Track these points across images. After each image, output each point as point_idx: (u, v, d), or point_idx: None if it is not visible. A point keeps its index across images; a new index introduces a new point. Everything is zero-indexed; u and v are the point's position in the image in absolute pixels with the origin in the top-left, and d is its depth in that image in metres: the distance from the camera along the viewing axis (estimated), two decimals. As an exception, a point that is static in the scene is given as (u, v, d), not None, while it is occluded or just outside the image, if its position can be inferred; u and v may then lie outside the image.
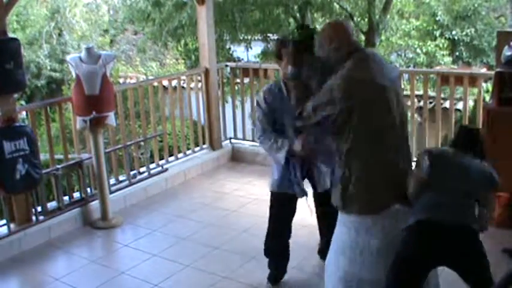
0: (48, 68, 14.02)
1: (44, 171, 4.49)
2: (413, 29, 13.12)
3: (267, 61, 11.26)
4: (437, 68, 10.50)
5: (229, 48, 11.94)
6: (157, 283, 3.82)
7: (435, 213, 2.61)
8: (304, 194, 3.49)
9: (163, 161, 5.78)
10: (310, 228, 4.12)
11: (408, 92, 5.44)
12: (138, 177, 5.41)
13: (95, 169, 4.78)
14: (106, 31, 15.71)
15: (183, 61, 13.42)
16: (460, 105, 6.79)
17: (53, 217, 4.62)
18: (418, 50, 11.81)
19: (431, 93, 6.93)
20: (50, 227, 4.58)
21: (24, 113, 5.56)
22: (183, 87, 6.16)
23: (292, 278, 3.70)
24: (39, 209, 4.53)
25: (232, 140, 6.57)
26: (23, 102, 11.61)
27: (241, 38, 11.48)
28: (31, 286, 4.04)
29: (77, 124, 4.72)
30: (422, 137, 5.46)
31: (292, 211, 3.61)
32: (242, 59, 11.78)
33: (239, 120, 6.57)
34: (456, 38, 12.74)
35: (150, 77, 11.59)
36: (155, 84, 6.19)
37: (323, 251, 3.80)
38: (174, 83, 6.42)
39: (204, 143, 6.29)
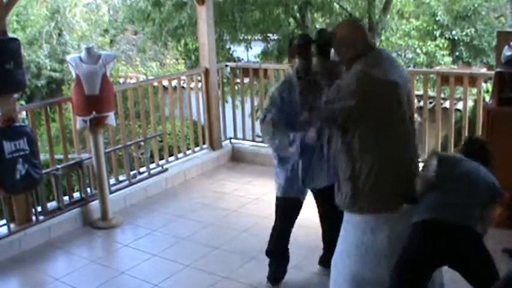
0: (48, 68, 14.02)
1: (44, 171, 4.49)
2: (413, 29, 13.11)
3: (267, 61, 11.27)
4: (437, 68, 10.49)
5: (229, 48, 11.94)
6: (157, 283, 3.82)
7: (440, 213, 2.62)
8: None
9: (163, 161, 5.79)
10: (310, 229, 4.12)
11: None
12: (138, 177, 5.41)
13: (95, 169, 4.78)
14: (106, 31, 15.70)
15: (183, 61, 13.42)
16: (460, 105, 6.79)
17: (53, 217, 4.62)
18: (418, 50, 11.81)
19: (431, 93, 6.93)
20: (50, 227, 4.58)
21: (24, 113, 5.56)
22: (183, 87, 6.16)
23: (292, 278, 3.70)
24: (39, 209, 4.53)
25: (232, 140, 6.57)
26: (23, 102, 11.60)
27: (241, 38, 11.47)
28: (31, 286, 4.04)
29: (77, 124, 4.72)
30: (422, 137, 5.46)
31: (297, 214, 3.62)
32: (242, 59, 11.77)
33: (239, 120, 6.57)
34: (456, 38, 12.73)
35: (150, 77, 11.59)
36: (155, 84, 6.19)
37: (324, 262, 3.80)
38: (174, 83, 6.42)
39: (204, 143, 6.29)
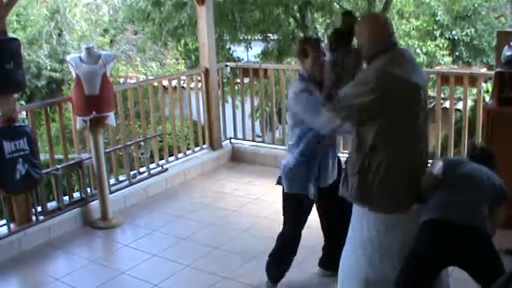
0: (48, 68, 14.02)
1: (44, 171, 4.49)
2: (413, 29, 13.11)
3: (267, 61, 11.27)
4: (437, 68, 10.49)
5: (229, 48, 11.94)
6: (157, 283, 3.82)
7: (447, 212, 2.64)
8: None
9: (163, 161, 5.78)
10: (310, 228, 4.10)
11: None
12: (138, 177, 5.41)
13: (95, 169, 4.78)
14: (106, 31, 15.71)
15: (183, 61, 13.42)
16: (460, 105, 6.79)
17: (53, 217, 4.62)
18: (418, 50, 11.80)
19: (431, 93, 6.92)
20: (50, 227, 4.58)
21: (24, 113, 5.56)
22: (183, 87, 6.16)
23: (292, 279, 3.70)
24: (39, 209, 4.53)
25: (232, 140, 6.57)
26: (23, 102, 11.61)
27: (241, 38, 11.47)
28: (31, 286, 4.04)
29: (77, 124, 4.72)
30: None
31: (309, 211, 3.59)
32: (242, 59, 11.77)
33: (239, 120, 6.57)
34: (456, 38, 12.73)
35: (150, 77, 11.59)
36: (155, 84, 6.19)
37: (324, 264, 3.79)
38: (174, 83, 6.42)
39: (204, 143, 6.29)
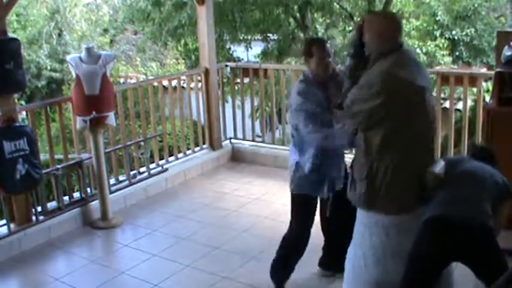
0: (48, 68, 14.02)
1: (44, 171, 4.49)
2: (413, 29, 13.11)
3: (267, 61, 11.28)
4: (437, 68, 10.49)
5: (229, 48, 11.95)
6: (157, 283, 3.82)
7: (449, 209, 2.64)
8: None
9: (163, 161, 5.78)
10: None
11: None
12: (138, 177, 5.41)
13: (95, 169, 4.78)
14: (106, 31, 15.71)
15: (183, 61, 13.42)
16: (460, 105, 6.78)
17: (53, 217, 4.62)
18: (418, 50, 11.80)
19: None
20: (50, 227, 4.58)
21: (24, 113, 5.56)
22: (183, 87, 6.16)
23: (292, 278, 3.69)
24: (39, 209, 4.53)
25: (232, 140, 6.57)
26: (23, 102, 11.61)
27: (241, 38, 11.48)
28: (31, 286, 4.04)
29: (77, 124, 4.72)
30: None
31: (316, 210, 3.58)
32: (242, 59, 11.77)
33: (239, 120, 6.57)
34: (456, 38, 12.72)
35: (150, 77, 11.59)
36: (155, 84, 6.18)
37: (324, 264, 3.78)
38: (174, 83, 6.42)
39: (204, 143, 6.29)
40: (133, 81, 11.19)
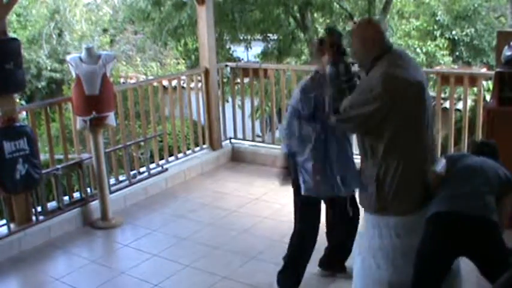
0: (49, 68, 14.03)
1: (44, 171, 4.49)
2: (413, 29, 13.13)
3: (267, 61, 11.28)
4: (437, 68, 10.49)
5: (229, 48, 11.95)
6: (157, 283, 3.82)
7: (452, 204, 2.65)
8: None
9: (163, 161, 5.78)
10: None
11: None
12: (138, 177, 5.41)
13: (95, 169, 4.78)
14: (105, 31, 15.71)
15: (183, 61, 13.42)
16: (460, 105, 6.78)
17: (53, 217, 4.61)
18: (418, 50, 11.82)
19: (431, 93, 6.92)
20: (50, 227, 4.58)
21: (24, 113, 5.56)
22: (183, 87, 6.16)
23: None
24: (39, 209, 4.53)
25: (232, 140, 6.57)
26: (23, 102, 11.62)
27: (241, 38, 11.48)
28: (31, 286, 4.04)
29: (77, 124, 4.72)
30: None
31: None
32: (242, 59, 11.77)
33: (239, 120, 6.57)
34: (456, 38, 12.74)
35: (150, 77, 11.59)
36: (155, 84, 6.18)
37: (324, 264, 3.78)
38: (174, 83, 6.42)
39: (204, 143, 6.28)
40: (133, 81, 11.19)
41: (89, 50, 4.57)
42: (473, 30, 12.61)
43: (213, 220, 4.83)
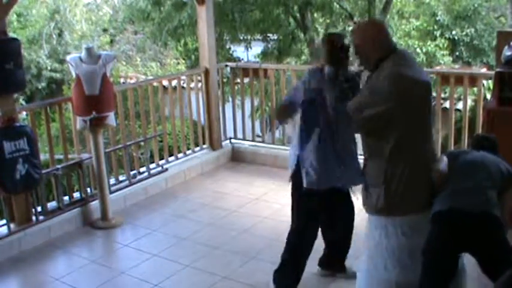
0: (49, 68, 14.03)
1: (44, 171, 4.49)
2: (413, 29, 13.13)
3: (267, 61, 11.28)
4: (437, 68, 10.49)
5: (229, 48, 11.95)
6: (157, 283, 3.82)
7: (454, 201, 2.66)
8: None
9: (163, 161, 5.78)
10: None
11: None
12: (138, 177, 5.41)
13: (95, 169, 4.78)
14: (105, 31, 15.72)
15: (183, 61, 13.43)
16: (460, 105, 6.78)
17: (53, 217, 4.61)
18: (418, 50, 11.82)
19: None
20: (50, 227, 4.58)
21: (24, 113, 5.56)
22: (183, 87, 6.16)
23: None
24: (39, 209, 4.53)
25: (232, 140, 6.57)
26: (23, 102, 11.62)
27: (241, 38, 11.49)
28: (31, 286, 4.04)
29: (77, 124, 4.72)
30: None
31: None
32: (242, 59, 11.78)
33: (239, 120, 6.57)
34: (456, 38, 12.74)
35: (150, 77, 11.59)
36: (155, 84, 6.18)
37: (324, 263, 3.77)
38: (174, 83, 6.42)
39: (204, 143, 6.28)
40: (133, 81, 11.19)
41: (89, 50, 4.57)
42: (473, 30, 12.61)
43: (213, 220, 4.83)
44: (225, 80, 7.65)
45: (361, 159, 3.45)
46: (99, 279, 3.92)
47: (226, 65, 6.76)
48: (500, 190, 2.71)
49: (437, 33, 12.77)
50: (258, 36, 11.84)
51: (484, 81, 5.55)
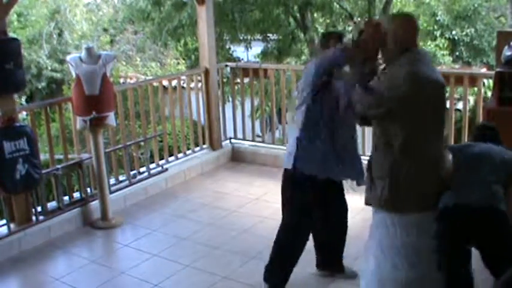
0: (49, 68, 14.03)
1: (44, 171, 4.49)
2: (413, 29, 13.11)
3: (267, 61, 11.28)
4: (438, 68, 10.49)
5: (229, 48, 11.95)
6: (157, 283, 3.82)
7: (460, 197, 2.66)
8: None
9: (163, 161, 5.78)
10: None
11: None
12: (138, 177, 5.41)
13: (95, 169, 4.78)
14: (106, 30, 15.72)
15: (183, 61, 13.43)
16: (460, 105, 6.79)
17: (53, 217, 4.61)
18: (418, 50, 11.81)
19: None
20: (50, 227, 4.58)
21: (24, 113, 5.56)
22: (183, 87, 6.16)
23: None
24: (39, 209, 4.53)
25: (232, 140, 6.57)
26: (23, 102, 11.62)
27: (241, 38, 11.49)
28: (31, 286, 4.04)
29: (77, 124, 4.72)
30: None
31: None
32: (242, 59, 11.78)
33: (239, 120, 6.57)
34: (456, 38, 12.75)
35: (150, 77, 11.59)
36: (155, 84, 6.18)
37: (320, 265, 3.76)
38: (174, 83, 6.42)
39: (204, 143, 6.29)
40: (133, 81, 11.19)
41: (89, 50, 4.57)
42: (473, 30, 12.62)
43: (213, 220, 4.83)
44: (225, 80, 7.65)
45: (362, 159, 3.46)
46: (99, 279, 3.92)
47: (226, 65, 6.76)
48: (506, 184, 2.70)
49: (438, 33, 12.78)
50: (258, 36, 11.84)
51: (485, 80, 5.55)
